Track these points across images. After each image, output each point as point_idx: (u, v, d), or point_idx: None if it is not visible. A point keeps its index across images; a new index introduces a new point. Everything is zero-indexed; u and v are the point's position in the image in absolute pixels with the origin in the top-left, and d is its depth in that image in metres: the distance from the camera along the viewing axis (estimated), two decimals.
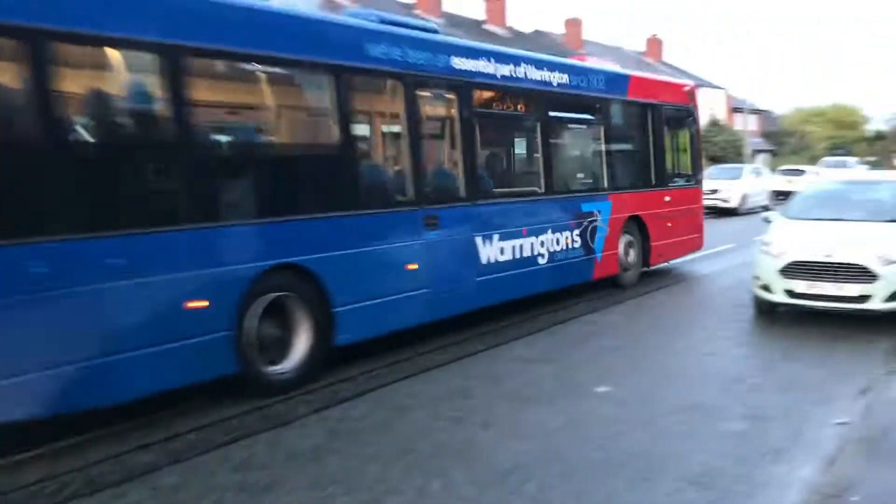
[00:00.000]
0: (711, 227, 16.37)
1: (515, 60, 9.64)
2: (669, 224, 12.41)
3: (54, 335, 5.15)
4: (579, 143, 11.57)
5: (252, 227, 6.51)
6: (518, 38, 37.04)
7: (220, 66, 6.71)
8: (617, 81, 11.60)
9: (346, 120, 7.36)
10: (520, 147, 10.86)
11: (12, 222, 4.99)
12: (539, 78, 9.92)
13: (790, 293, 8.89)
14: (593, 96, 10.99)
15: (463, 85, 8.76)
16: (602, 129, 11.31)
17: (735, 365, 7.73)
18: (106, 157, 5.70)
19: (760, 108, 63.95)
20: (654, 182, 12.29)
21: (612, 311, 10.34)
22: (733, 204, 28.41)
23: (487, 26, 36.42)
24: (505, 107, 9.96)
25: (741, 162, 40.27)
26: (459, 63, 8.68)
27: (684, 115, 13.25)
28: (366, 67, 7.63)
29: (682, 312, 10.65)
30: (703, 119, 51.13)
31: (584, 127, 11.39)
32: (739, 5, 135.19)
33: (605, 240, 10.95)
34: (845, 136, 71.74)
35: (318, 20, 7.45)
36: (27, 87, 5.14)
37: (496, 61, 9.26)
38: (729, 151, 48.07)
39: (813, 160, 53.50)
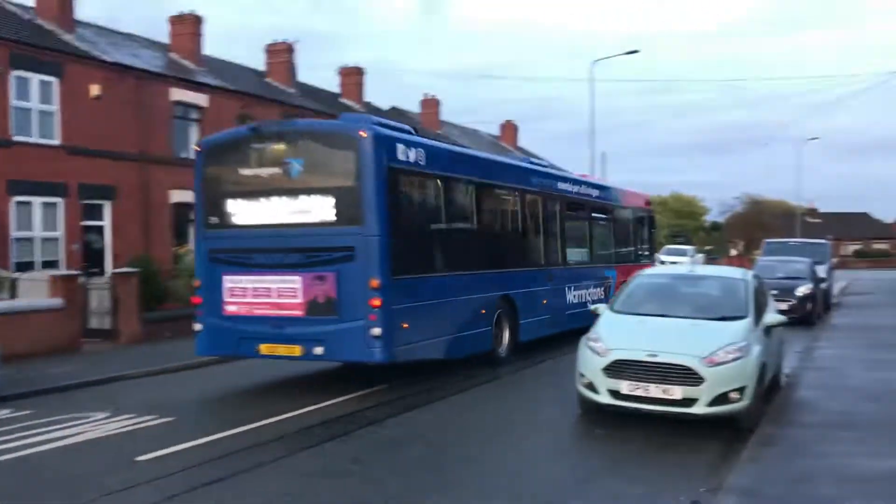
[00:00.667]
0: None
1: (580, 184, 17.24)
2: None
3: (439, 320, 11.16)
4: (602, 232, 18.48)
5: (497, 274, 12.95)
6: (373, 113, 36.78)
7: (491, 190, 13.30)
8: (622, 194, 19.93)
9: (523, 219, 14.37)
10: (578, 233, 17.11)
11: (421, 267, 10.96)
12: (591, 193, 17.62)
13: (615, 394, 8.25)
14: (612, 204, 18.93)
15: (562, 198, 15.96)
16: (612, 224, 19.06)
17: (552, 480, 6.86)
18: (454, 235, 12.04)
19: None
20: (633, 258, 19.92)
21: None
22: None
23: (343, 100, 35.93)
24: (579, 210, 16.98)
25: None
26: (562, 185, 16.09)
27: (647, 214, 21.57)
28: (531, 190, 14.63)
29: (511, 410, 9.83)
30: None
31: (604, 222, 18.68)
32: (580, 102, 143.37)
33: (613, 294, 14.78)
34: (685, 225, 76.28)
35: (515, 165, 15.17)
36: (432, 202, 11.69)
37: (573, 184, 16.76)
38: None
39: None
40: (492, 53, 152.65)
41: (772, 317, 9.17)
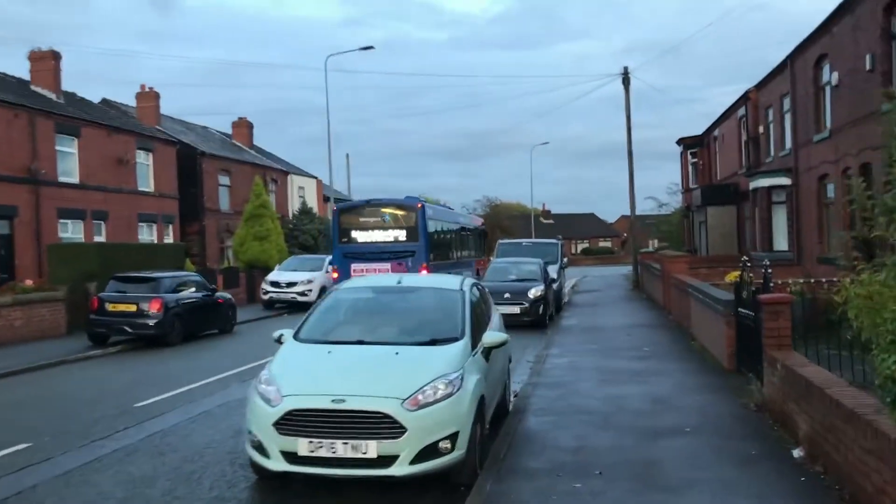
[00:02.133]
0: (285, 323, 14.52)
1: (461, 216, 32.70)
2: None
3: None
4: (470, 240, 30.17)
5: (457, 260, 26.02)
6: (76, 104, 31.83)
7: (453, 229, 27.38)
8: (471, 219, 34.28)
9: (457, 239, 27.61)
10: (464, 241, 28.90)
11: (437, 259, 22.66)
12: (463, 220, 30.56)
13: (291, 457, 6.01)
14: (472, 225, 32.11)
15: (459, 225, 28.56)
16: (472, 235, 30.57)
17: None
18: (449, 244, 25.90)
19: (351, 197, 65.39)
20: (480, 255, 30.87)
21: None
22: (312, 298, 26.33)
23: (36, 88, 30.71)
24: (462, 230, 28.81)
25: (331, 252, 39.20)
26: (460, 219, 30.45)
27: (483, 228, 34.50)
28: (452, 222, 27.72)
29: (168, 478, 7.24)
30: (295, 207, 50.31)
31: (470, 235, 30.20)
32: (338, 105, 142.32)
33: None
34: None
35: (457, 214, 32.23)
36: (439, 230, 24.95)
37: (461, 220, 30.35)
38: (320, 240, 47.11)
39: None
40: (237, 49, 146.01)
41: (492, 336, 7.43)
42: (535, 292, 18.70)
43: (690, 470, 6.31)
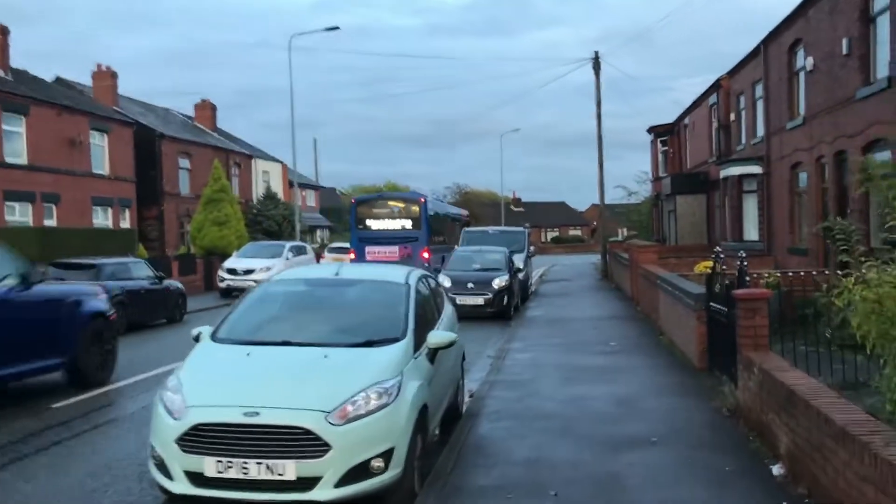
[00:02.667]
0: None
1: (454, 210, 36.93)
2: None
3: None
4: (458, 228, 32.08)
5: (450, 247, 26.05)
6: (27, 83, 30.36)
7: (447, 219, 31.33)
8: (459, 211, 38.71)
9: (450, 227, 30.89)
10: (453, 230, 30.97)
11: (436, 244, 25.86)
12: (454, 211, 35.86)
13: (196, 478, 5.15)
14: (462, 215, 37.08)
15: (450, 215, 33.05)
16: (460, 223, 33.74)
17: None
18: (443, 231, 29.24)
19: (321, 184, 64.19)
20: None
21: None
22: None
23: None
24: (455, 221, 32.82)
25: (295, 238, 38.16)
26: (450, 210, 35.08)
27: (468, 218, 37.86)
28: (447, 213, 32.52)
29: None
30: (260, 191, 49.06)
31: (457, 223, 33.34)
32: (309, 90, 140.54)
33: None
34: None
35: (449, 207, 37.33)
36: (438, 220, 28.63)
37: (452, 212, 34.76)
38: (284, 226, 45.98)
39: None
40: (205, 33, 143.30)
41: (439, 336, 6.58)
42: (499, 282, 17.95)
43: (657, 489, 5.57)
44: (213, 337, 6.29)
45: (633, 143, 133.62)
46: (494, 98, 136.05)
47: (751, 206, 24.28)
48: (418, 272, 7.57)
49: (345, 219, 64.67)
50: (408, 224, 25.76)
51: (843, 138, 16.67)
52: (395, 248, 24.83)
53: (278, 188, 50.88)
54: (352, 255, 25.89)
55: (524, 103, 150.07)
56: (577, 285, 27.40)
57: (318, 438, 5.04)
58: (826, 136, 17.75)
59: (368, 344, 6.00)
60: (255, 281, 25.34)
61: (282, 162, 53.82)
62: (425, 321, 6.83)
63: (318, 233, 57.76)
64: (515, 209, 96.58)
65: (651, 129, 43.31)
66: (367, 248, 25.23)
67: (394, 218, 26.08)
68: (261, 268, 25.60)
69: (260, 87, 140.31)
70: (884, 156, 15.00)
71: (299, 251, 28.39)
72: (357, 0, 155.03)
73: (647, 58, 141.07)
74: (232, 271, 25.81)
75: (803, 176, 20.07)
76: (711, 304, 9.53)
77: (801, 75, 19.89)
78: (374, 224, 26.10)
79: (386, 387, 5.44)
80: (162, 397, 5.51)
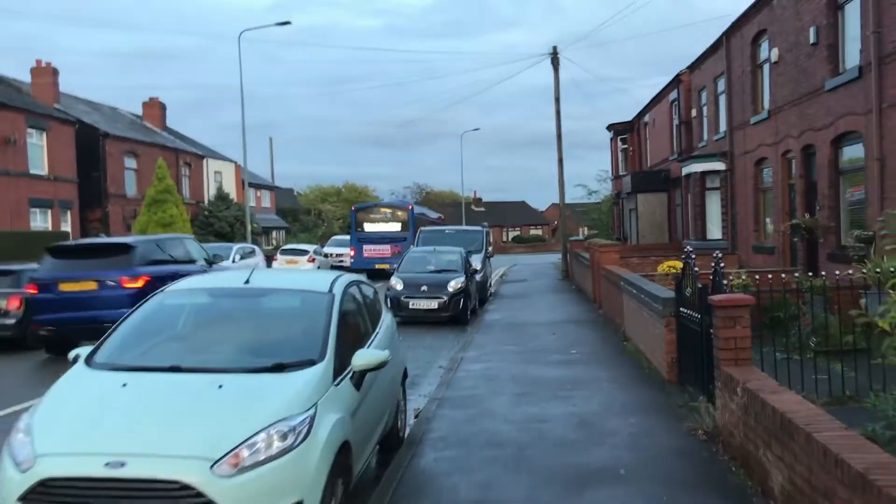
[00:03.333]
0: None
1: (433, 213, 47.27)
2: None
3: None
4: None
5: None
6: None
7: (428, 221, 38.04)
8: (438, 216, 48.09)
9: (425, 224, 33.43)
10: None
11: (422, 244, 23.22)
12: (428, 216, 41.37)
13: None
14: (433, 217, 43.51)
15: (425, 219, 37.77)
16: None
17: None
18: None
19: (276, 184, 62.58)
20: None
21: None
22: None
23: None
24: (430, 220, 39.33)
25: (247, 239, 36.80)
26: (433, 216, 43.73)
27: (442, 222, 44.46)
28: (432, 221, 39.85)
29: None
30: (212, 192, 47.44)
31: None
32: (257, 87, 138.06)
33: None
34: None
35: (430, 212, 46.50)
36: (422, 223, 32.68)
37: (432, 216, 44.15)
38: (237, 228, 44.48)
39: (325, 238, 53.30)
40: (161, 34, 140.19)
41: (367, 356, 5.46)
42: (455, 285, 16.93)
43: None
44: (88, 361, 5.14)
45: (593, 143, 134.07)
46: (455, 99, 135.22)
47: (714, 204, 23.61)
48: (347, 278, 6.48)
49: (301, 219, 63.35)
50: (397, 227, 32.86)
51: (810, 132, 15.98)
52: (388, 247, 31.55)
53: (231, 189, 49.29)
54: (352, 253, 32.80)
55: (484, 105, 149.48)
56: (537, 286, 26.51)
57: (200, 495, 3.95)
58: (792, 131, 17.06)
59: (277, 368, 4.91)
60: None
61: (235, 162, 52.20)
62: (354, 337, 5.78)
63: (274, 234, 56.20)
64: (476, 209, 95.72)
65: (611, 127, 42.71)
66: (365, 247, 32.27)
67: (386, 222, 33.26)
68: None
69: (218, 88, 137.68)
70: (855, 150, 14.32)
71: (247, 254, 27.03)
72: (316, 0, 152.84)
73: (604, 61, 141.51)
74: None
75: (768, 172, 19.40)
76: (682, 309, 8.62)
77: (766, 67, 19.22)
78: (369, 227, 33.12)
79: (293, 424, 4.37)
80: (9, 443, 4.37)
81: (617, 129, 41.93)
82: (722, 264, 8.00)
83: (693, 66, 26.77)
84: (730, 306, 6.39)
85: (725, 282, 7.28)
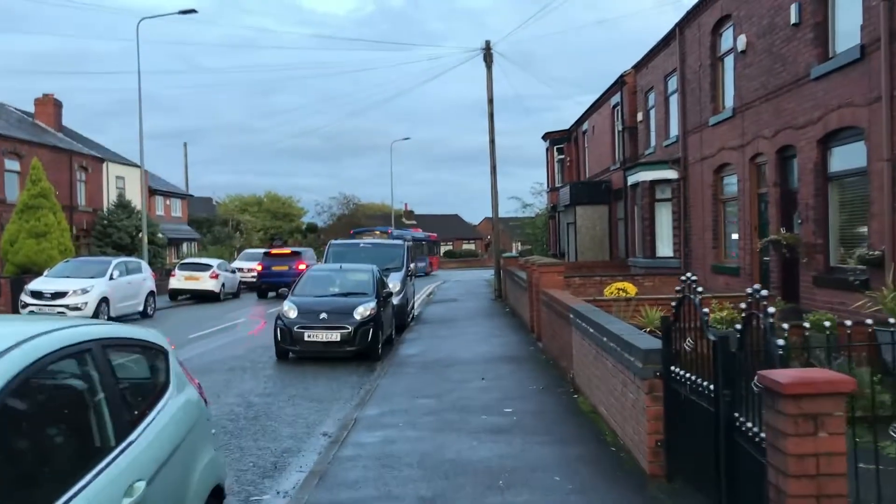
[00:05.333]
0: None
1: (422, 235, 60.24)
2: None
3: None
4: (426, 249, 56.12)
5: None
6: None
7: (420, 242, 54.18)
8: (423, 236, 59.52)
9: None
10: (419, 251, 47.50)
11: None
12: (422, 236, 59.01)
13: None
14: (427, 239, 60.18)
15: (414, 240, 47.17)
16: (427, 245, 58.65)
17: None
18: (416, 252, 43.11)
19: (191, 193, 58.15)
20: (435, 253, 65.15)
21: None
22: (87, 313, 20.22)
23: None
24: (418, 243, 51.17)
25: (142, 252, 32.83)
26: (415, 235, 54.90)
27: (426, 241, 60.14)
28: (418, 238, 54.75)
29: None
30: (111, 198, 43.02)
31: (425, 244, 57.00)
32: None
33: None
34: (281, 227, 70.67)
35: (419, 235, 58.07)
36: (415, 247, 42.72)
37: (419, 236, 57.36)
38: (139, 239, 40.19)
39: (241, 250, 49.26)
40: (84, 38, 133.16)
41: None
42: (363, 311, 13.68)
43: None
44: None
45: (527, 158, 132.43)
46: (384, 111, 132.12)
47: (664, 217, 21.00)
48: (43, 344, 3.18)
49: (214, 231, 58.80)
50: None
51: (789, 130, 13.36)
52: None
53: (135, 196, 44.90)
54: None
55: (415, 118, 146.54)
56: (467, 308, 23.46)
57: None
58: (765, 130, 14.45)
59: None
60: (66, 307, 20.22)
61: (140, 167, 47.73)
62: (51, 464, 2.54)
63: (185, 246, 51.85)
64: (407, 222, 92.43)
65: (546, 136, 40.21)
66: None
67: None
68: (75, 290, 20.42)
69: (136, 97, 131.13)
70: (852, 150, 11.70)
71: (131, 269, 23.20)
72: (244, 8, 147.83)
73: (534, 79, 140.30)
74: (37, 294, 20.47)
75: (732, 180, 16.80)
76: (675, 370, 5.63)
77: (730, 59, 16.66)
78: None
79: None
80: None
81: (553, 138, 39.43)
82: (698, 287, 5.08)
83: (639, 65, 24.26)
84: (810, 396, 3.35)
85: (770, 322, 4.26)
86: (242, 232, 62.08)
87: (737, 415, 4.57)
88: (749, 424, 4.28)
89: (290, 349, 13.50)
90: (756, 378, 3.85)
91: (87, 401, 3.22)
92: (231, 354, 14.45)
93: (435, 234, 68.06)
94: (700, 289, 5.20)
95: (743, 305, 4.72)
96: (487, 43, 26.15)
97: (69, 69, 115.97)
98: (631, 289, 16.46)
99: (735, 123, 16.01)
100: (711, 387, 4.84)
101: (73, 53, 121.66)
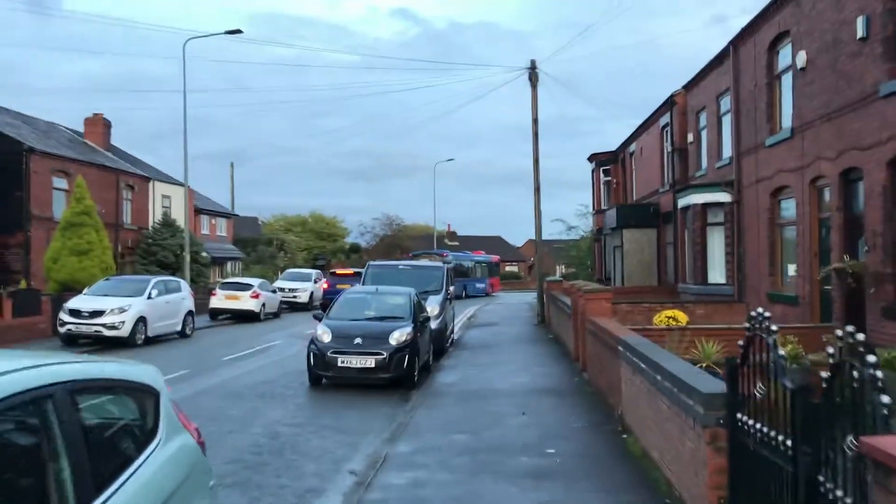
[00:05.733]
0: None
1: (465, 257, 56.09)
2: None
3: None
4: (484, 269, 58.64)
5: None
6: None
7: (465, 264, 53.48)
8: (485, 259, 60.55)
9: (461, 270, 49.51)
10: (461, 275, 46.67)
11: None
12: (467, 263, 54.51)
13: None
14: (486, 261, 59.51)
15: (476, 263, 57.55)
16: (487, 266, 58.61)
17: None
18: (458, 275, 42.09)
19: (237, 213, 58.56)
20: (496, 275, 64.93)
21: None
22: (124, 333, 20.06)
23: None
24: (461, 266, 50.91)
25: (184, 271, 32.94)
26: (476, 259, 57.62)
27: (489, 263, 61.43)
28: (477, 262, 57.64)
29: None
30: (156, 215, 43.38)
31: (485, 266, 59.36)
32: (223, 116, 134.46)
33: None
34: (325, 247, 70.75)
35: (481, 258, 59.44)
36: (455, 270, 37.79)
37: (481, 259, 59.56)
38: (183, 257, 40.37)
39: (283, 268, 49.30)
40: (141, 61, 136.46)
41: None
42: (399, 336, 13.12)
43: None
44: None
45: (571, 181, 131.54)
46: (429, 132, 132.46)
47: (716, 242, 20.11)
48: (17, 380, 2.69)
49: (258, 250, 58.92)
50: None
51: (854, 151, 12.52)
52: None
53: (180, 215, 45.25)
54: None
55: (460, 140, 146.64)
56: (508, 333, 22.77)
57: None
58: (826, 151, 13.61)
59: None
60: (104, 326, 20.08)
61: (186, 186, 48.15)
62: None
63: (229, 265, 52.08)
64: (450, 243, 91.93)
65: (592, 157, 39.45)
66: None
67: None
68: (112, 309, 20.26)
69: (193, 119, 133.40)
70: None
71: (171, 288, 23.04)
72: (294, 34, 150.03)
73: (578, 99, 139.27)
74: (75, 313, 20.35)
75: (790, 203, 15.92)
76: (742, 418, 4.93)
77: (788, 77, 15.86)
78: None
79: None
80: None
81: (599, 160, 38.65)
82: (771, 325, 4.40)
83: (690, 85, 23.47)
84: None
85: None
86: (286, 252, 62.24)
87: (820, 478, 3.88)
88: (839, 493, 3.58)
89: (324, 375, 12.99)
90: (853, 442, 3.18)
91: (42, 459, 2.70)
92: (263, 379, 13.99)
93: (497, 257, 67.93)
94: (774, 327, 4.50)
95: (830, 350, 4.02)
96: (533, 62, 25.63)
97: (122, 88, 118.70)
98: (682, 317, 15.61)
99: (794, 144, 15.17)
100: (788, 442, 4.15)
101: (126, 74, 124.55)
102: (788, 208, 16.06)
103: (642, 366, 7.47)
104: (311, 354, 13.03)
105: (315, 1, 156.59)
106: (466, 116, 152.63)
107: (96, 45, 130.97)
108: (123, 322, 20.18)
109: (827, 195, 13.95)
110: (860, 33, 12.13)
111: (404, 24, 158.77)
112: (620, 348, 8.84)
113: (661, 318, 15.72)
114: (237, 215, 58.21)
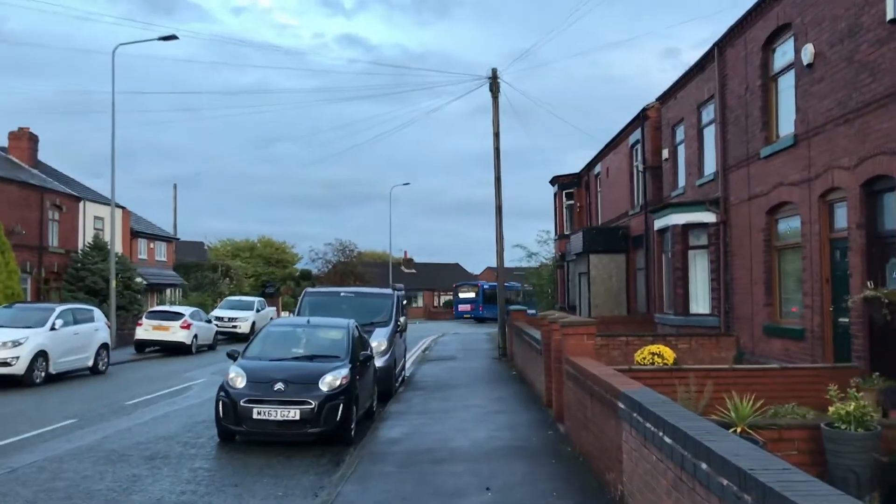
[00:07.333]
0: None
1: (399, 290, 23.15)
2: None
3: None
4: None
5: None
6: None
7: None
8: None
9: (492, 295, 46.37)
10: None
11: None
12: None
13: None
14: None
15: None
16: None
17: None
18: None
19: (179, 237, 55.26)
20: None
21: None
22: (18, 371, 17.11)
23: None
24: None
25: (109, 299, 29.84)
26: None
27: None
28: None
29: None
30: (87, 238, 40.06)
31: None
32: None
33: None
34: (274, 273, 67.60)
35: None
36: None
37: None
38: (116, 283, 37.11)
39: (228, 296, 46.16)
40: (88, 81, 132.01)
41: None
42: (332, 381, 10.56)
43: None
44: None
45: (529, 210, 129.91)
46: (385, 159, 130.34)
47: (699, 267, 17.97)
48: None
49: (197, 276, 55.18)
50: (472, 294, 64.20)
51: (882, 156, 10.41)
52: (468, 306, 64.22)
53: (116, 238, 42.01)
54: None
55: (417, 168, 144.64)
56: (466, 370, 20.28)
57: None
58: (842, 159, 11.51)
59: None
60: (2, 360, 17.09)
61: (123, 207, 44.90)
62: None
63: (168, 292, 48.75)
64: (407, 270, 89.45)
65: (555, 180, 37.48)
66: (459, 305, 63.34)
67: (468, 292, 63.92)
68: (6, 342, 17.31)
69: (145, 143, 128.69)
70: None
71: (81, 318, 20.10)
72: (248, 60, 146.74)
73: (536, 127, 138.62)
74: None
75: (792, 222, 13.82)
76: None
77: (787, 78, 13.85)
78: (462, 295, 65.58)
79: None
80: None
81: (562, 183, 36.67)
82: None
83: (665, 97, 21.50)
84: None
85: None
86: (232, 278, 58.92)
87: None
88: None
89: (235, 430, 10.33)
90: None
91: None
92: (163, 432, 11.28)
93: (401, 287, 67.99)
94: None
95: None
96: (494, 71, 23.49)
97: (70, 111, 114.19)
98: (668, 354, 13.29)
99: (797, 154, 13.10)
100: None
101: (77, 98, 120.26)
102: (789, 228, 13.96)
103: (667, 440, 5.05)
104: (220, 403, 10.37)
105: (268, 27, 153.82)
106: (423, 145, 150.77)
107: (46, 69, 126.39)
108: (18, 357, 17.23)
109: (843, 211, 11.83)
110: (890, 14, 10.09)
111: (354, 52, 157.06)
112: (622, 406, 6.42)
113: (645, 354, 13.39)
114: (178, 239, 54.90)
